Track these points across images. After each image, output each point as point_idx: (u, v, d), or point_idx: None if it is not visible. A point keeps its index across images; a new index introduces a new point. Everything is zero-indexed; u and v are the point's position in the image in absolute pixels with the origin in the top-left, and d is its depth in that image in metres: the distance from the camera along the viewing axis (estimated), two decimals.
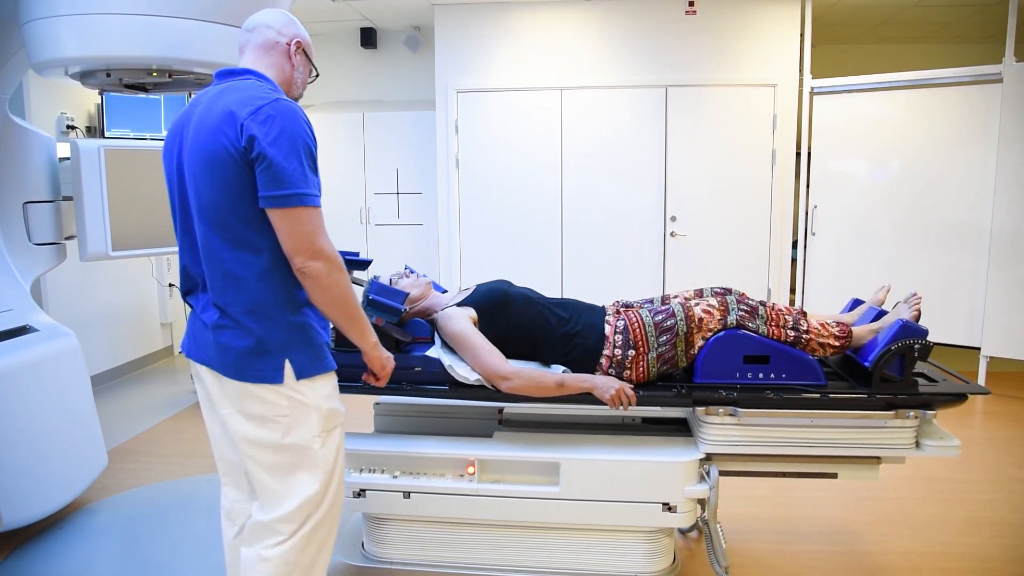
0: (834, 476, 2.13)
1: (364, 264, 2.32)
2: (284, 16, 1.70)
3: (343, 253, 1.75)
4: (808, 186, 5.01)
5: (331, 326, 1.70)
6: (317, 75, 1.79)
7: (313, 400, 1.59)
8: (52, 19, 2.25)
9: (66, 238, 2.97)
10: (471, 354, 2.03)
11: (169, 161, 1.65)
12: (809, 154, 4.98)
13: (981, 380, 4.43)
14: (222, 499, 1.82)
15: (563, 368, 2.11)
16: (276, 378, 1.54)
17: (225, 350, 1.55)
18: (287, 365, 1.55)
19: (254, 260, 1.53)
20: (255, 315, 1.54)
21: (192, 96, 1.70)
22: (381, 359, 1.73)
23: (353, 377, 1.92)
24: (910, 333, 1.97)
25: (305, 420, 1.59)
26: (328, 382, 1.65)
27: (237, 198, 1.50)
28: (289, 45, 1.68)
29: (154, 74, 2.48)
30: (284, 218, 1.48)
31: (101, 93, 4.29)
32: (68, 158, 2.86)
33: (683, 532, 2.59)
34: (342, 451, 1.69)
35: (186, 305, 1.75)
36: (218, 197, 1.50)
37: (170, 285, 5.24)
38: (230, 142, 1.47)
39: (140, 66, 2.40)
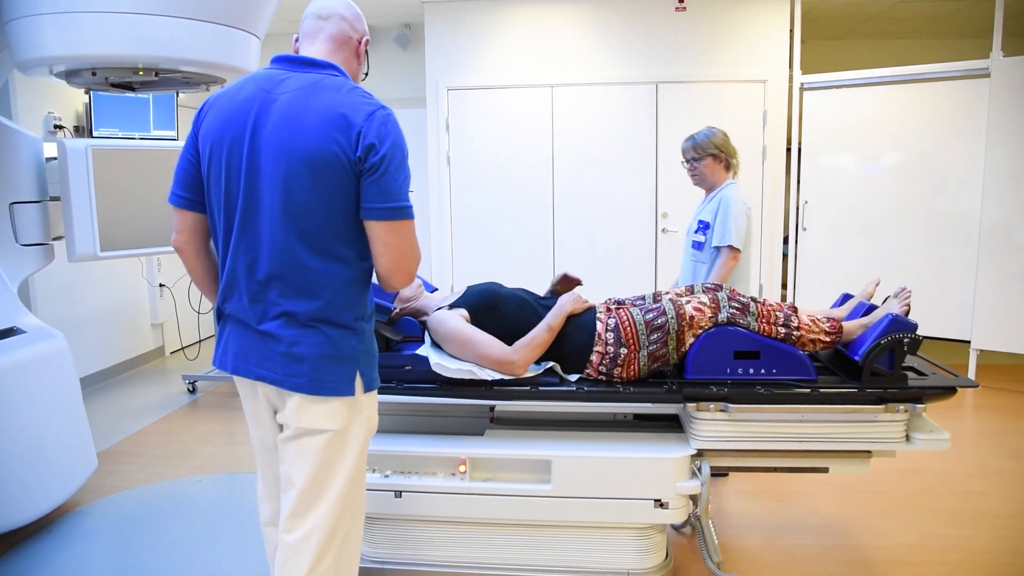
0: (825, 470, 2.13)
1: None
2: (355, 9, 1.63)
3: None
4: (799, 181, 5.02)
5: None
6: (367, 73, 1.70)
7: (367, 413, 1.57)
8: (36, 17, 2.23)
9: (54, 239, 2.95)
10: (471, 350, 2.02)
11: (235, 150, 1.47)
12: (800, 150, 4.99)
13: (971, 373, 4.46)
14: (264, 510, 1.76)
15: (552, 363, 2.11)
16: (348, 390, 1.50)
17: (300, 360, 1.47)
18: (358, 377, 1.52)
19: (340, 270, 1.48)
20: (334, 324, 1.49)
21: (249, 77, 1.53)
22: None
23: None
24: (900, 327, 1.98)
25: (356, 433, 1.55)
26: (376, 396, 1.63)
27: (336, 208, 1.43)
28: (360, 42, 1.62)
29: (140, 73, 2.46)
30: (390, 231, 1.44)
31: (88, 92, 4.26)
32: (55, 158, 2.84)
33: (676, 528, 2.60)
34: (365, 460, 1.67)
35: (218, 318, 1.61)
36: (316, 203, 1.42)
37: (160, 285, 5.21)
38: (341, 149, 1.40)
39: (126, 65, 2.38)
